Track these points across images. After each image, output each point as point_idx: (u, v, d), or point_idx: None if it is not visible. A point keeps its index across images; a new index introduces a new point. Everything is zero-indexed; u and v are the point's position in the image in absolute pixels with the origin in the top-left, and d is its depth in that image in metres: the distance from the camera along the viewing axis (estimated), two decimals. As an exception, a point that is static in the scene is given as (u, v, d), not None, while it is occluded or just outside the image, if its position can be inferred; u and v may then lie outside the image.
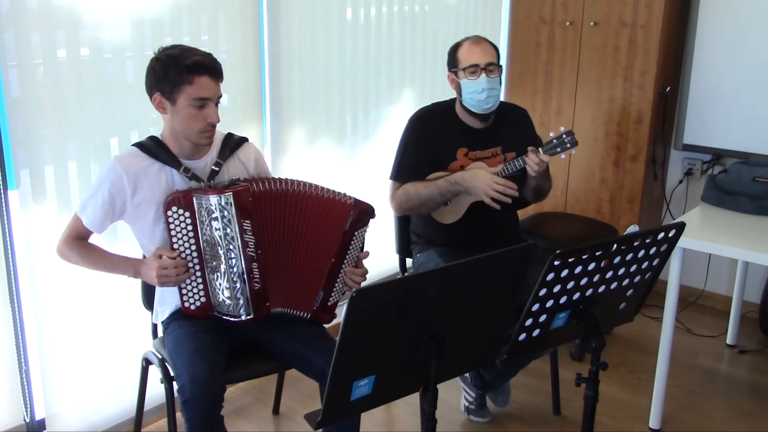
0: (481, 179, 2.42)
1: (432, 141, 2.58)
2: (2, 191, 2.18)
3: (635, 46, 3.56)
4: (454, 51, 2.59)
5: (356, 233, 2.16)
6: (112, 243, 2.37)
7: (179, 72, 1.96)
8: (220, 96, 2.05)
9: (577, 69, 3.78)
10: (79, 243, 2.09)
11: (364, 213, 2.16)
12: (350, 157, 3.42)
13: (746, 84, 3.46)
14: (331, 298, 2.20)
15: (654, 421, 2.76)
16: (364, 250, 2.23)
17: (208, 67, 1.99)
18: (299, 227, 2.13)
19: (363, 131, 3.47)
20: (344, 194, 2.15)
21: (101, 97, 2.39)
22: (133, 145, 2.10)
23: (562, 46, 3.82)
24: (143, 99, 2.51)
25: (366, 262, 2.24)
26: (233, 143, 2.21)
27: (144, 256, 2.19)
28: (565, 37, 3.80)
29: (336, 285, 2.19)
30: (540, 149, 2.42)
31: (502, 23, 4.16)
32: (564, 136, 2.40)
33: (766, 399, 3.03)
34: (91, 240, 2.13)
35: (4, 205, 2.20)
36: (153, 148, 2.08)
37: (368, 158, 3.50)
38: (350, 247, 2.16)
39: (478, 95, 2.50)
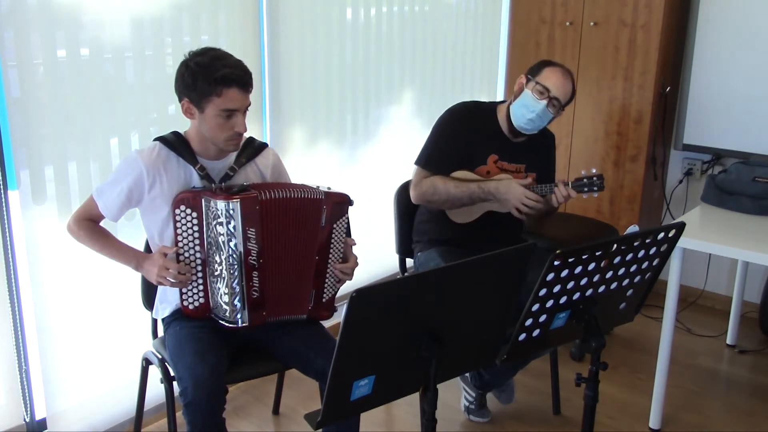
0: (515, 193, 2.47)
1: (468, 138, 2.59)
2: (2, 191, 2.18)
3: (635, 46, 3.56)
4: (545, 65, 2.55)
5: (335, 225, 2.13)
6: (112, 229, 2.35)
7: (208, 83, 1.95)
8: (249, 105, 2.04)
9: (577, 69, 3.77)
10: (90, 224, 2.11)
11: (338, 204, 2.13)
12: (350, 157, 3.42)
13: (746, 84, 3.46)
14: (324, 295, 2.19)
15: (654, 421, 2.76)
16: (351, 237, 2.22)
17: (236, 80, 1.97)
18: (294, 233, 2.11)
19: (363, 131, 3.47)
20: (316, 189, 2.12)
21: (101, 97, 2.39)
22: (155, 139, 2.10)
23: (562, 46, 3.82)
24: (143, 99, 2.52)
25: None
26: (252, 150, 2.20)
27: (147, 246, 2.20)
28: (565, 37, 3.80)
29: (326, 281, 2.18)
30: (569, 183, 2.47)
31: (502, 23, 4.16)
32: (595, 178, 2.46)
33: (766, 399, 3.03)
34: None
35: (4, 205, 2.20)
36: (175, 143, 2.08)
37: (368, 158, 3.50)
38: (332, 241, 2.14)
39: (528, 114, 2.52)
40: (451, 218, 2.65)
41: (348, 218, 2.19)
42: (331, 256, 2.16)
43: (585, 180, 2.47)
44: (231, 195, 1.99)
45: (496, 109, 2.67)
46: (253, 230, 2.02)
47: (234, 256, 2.01)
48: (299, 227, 2.11)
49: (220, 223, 2.00)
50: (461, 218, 2.64)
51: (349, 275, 2.21)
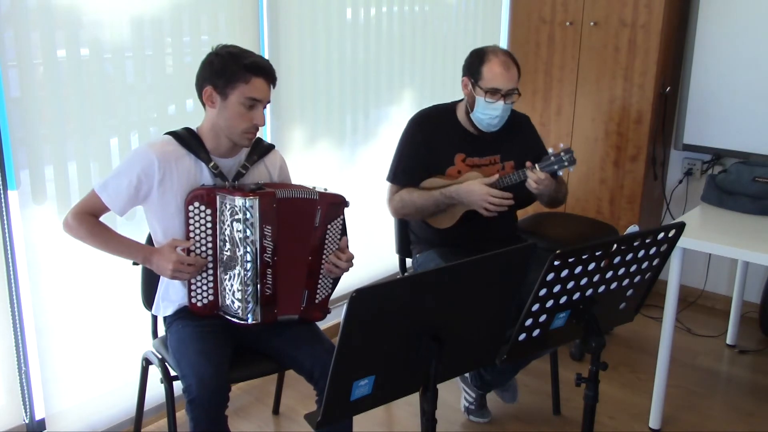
0: (477, 194, 2.41)
1: (430, 144, 2.56)
2: (2, 191, 2.18)
3: (635, 46, 3.56)
4: (480, 62, 2.47)
5: (330, 226, 2.14)
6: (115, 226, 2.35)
7: (238, 69, 1.99)
8: (269, 101, 2.08)
9: (577, 69, 3.78)
10: (91, 219, 2.06)
11: (333, 205, 2.14)
12: (350, 157, 3.42)
13: (746, 84, 3.46)
14: (317, 295, 2.18)
15: (654, 421, 2.76)
16: (346, 237, 2.21)
17: (265, 69, 2.03)
18: (299, 232, 2.12)
19: (363, 131, 3.47)
20: (312, 189, 2.14)
21: (101, 97, 2.39)
22: (166, 133, 2.10)
23: (562, 46, 3.82)
24: (143, 99, 2.52)
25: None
26: (262, 149, 2.22)
27: (148, 241, 2.19)
28: (565, 37, 3.80)
29: (320, 281, 2.17)
30: (536, 166, 2.39)
31: (502, 23, 4.16)
32: (562, 154, 2.37)
33: (766, 399, 3.03)
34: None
35: (4, 205, 2.20)
36: (187, 138, 2.09)
37: (368, 158, 3.50)
38: (326, 241, 2.14)
39: (491, 120, 2.48)
40: (433, 225, 2.60)
41: (343, 219, 2.19)
42: (325, 255, 2.15)
43: (552, 158, 2.38)
44: (248, 192, 2.01)
45: (455, 108, 2.63)
46: (270, 228, 2.04)
47: (250, 253, 2.02)
48: (302, 226, 2.11)
49: (237, 220, 2.01)
50: (444, 224, 2.59)
51: (343, 267, 2.17)
